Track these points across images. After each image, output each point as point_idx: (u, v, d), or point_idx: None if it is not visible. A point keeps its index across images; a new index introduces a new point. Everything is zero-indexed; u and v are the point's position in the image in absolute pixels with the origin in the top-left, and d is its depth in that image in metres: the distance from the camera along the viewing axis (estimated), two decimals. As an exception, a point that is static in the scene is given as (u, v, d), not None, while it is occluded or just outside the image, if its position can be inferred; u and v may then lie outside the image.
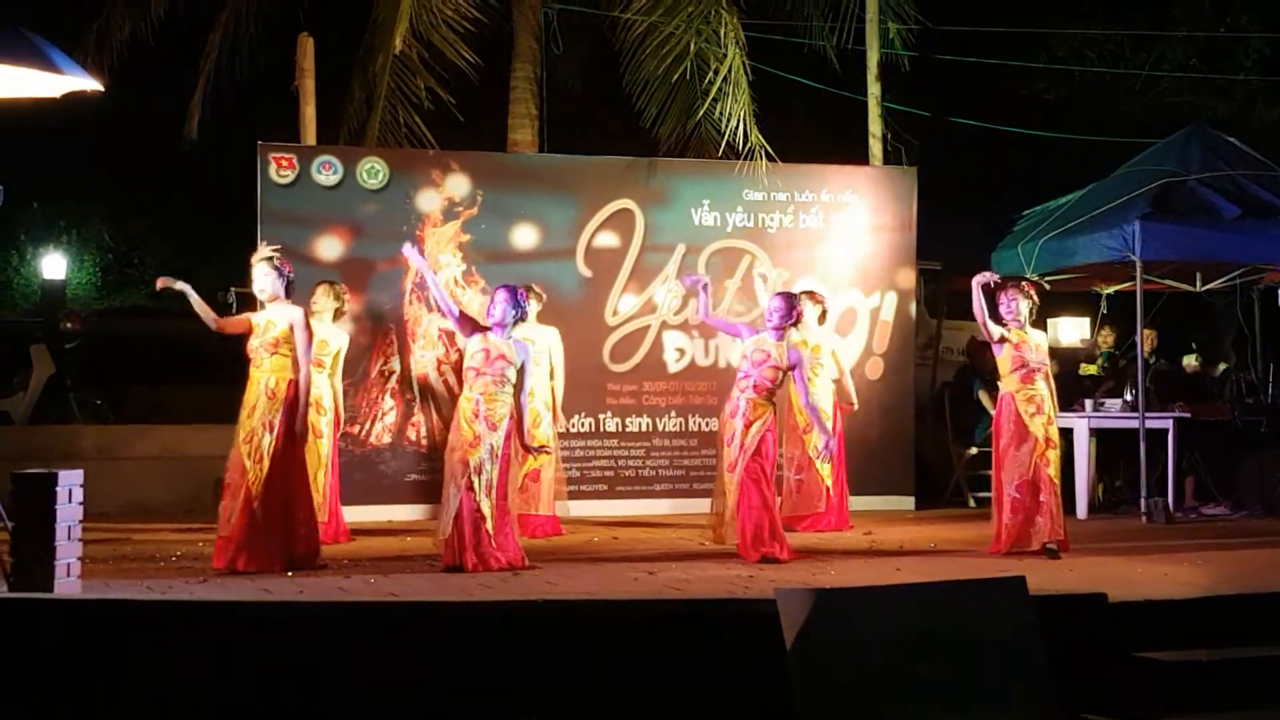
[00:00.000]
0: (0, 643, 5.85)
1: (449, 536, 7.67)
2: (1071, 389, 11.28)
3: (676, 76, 11.39)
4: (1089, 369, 12.48)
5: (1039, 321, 9.12)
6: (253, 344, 7.83)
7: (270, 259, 7.98)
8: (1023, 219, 11.90)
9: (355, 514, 9.76)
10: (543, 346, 9.41)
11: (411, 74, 11.85)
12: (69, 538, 6.51)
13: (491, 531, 7.69)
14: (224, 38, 12.74)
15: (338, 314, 9.26)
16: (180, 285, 7.92)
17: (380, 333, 10.58)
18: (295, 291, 8.08)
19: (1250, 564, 8.13)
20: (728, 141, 11.08)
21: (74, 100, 7.76)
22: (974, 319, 8.83)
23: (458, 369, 9.50)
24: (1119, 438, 11.11)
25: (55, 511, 6.43)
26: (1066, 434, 10.08)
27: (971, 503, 11.68)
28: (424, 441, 10.60)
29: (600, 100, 13.98)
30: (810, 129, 14.78)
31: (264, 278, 7.91)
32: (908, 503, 11.37)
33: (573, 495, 10.57)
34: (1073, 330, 13.36)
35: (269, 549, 7.65)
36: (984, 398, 11.64)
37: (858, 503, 10.46)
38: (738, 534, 8.26)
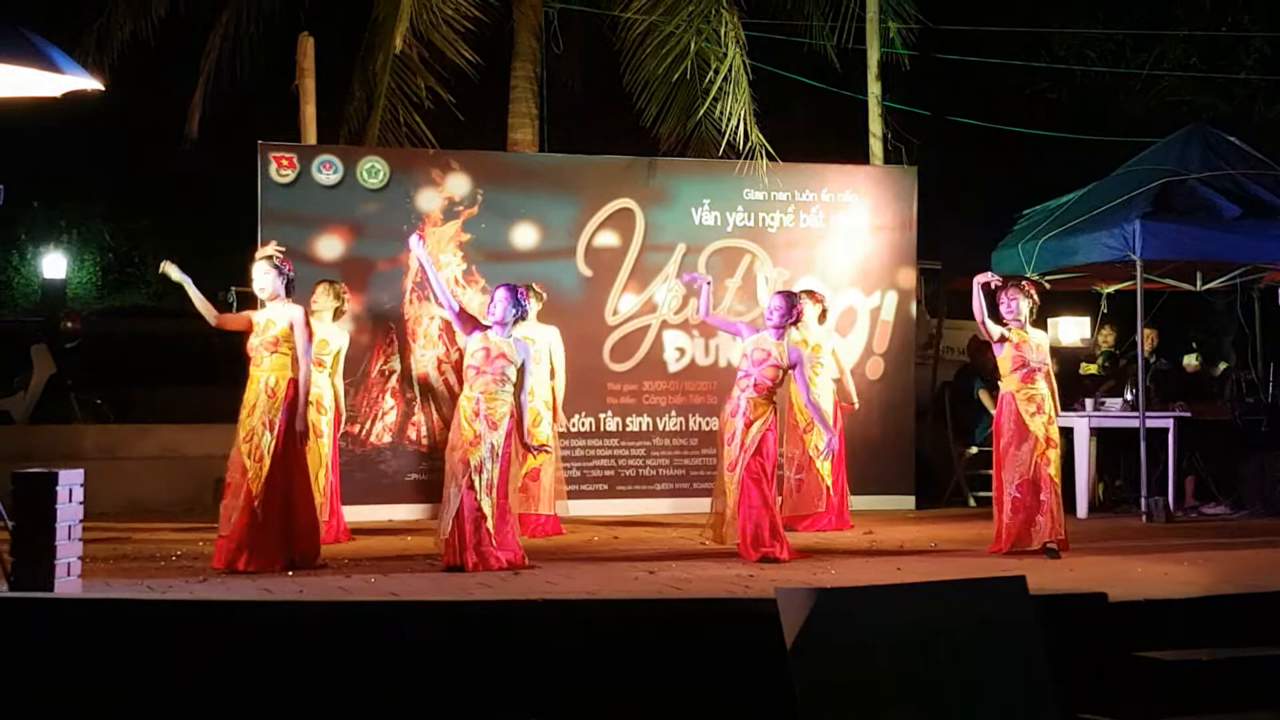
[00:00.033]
0: (0, 643, 5.85)
1: (449, 536, 7.67)
2: (1072, 388, 11.29)
3: (677, 76, 11.39)
4: (1089, 368, 12.48)
5: (1039, 321, 9.12)
6: (253, 343, 7.83)
7: (270, 258, 7.99)
8: (1023, 218, 11.89)
9: (355, 513, 9.77)
10: (543, 346, 9.41)
11: (412, 73, 11.85)
12: (69, 537, 6.52)
13: (492, 530, 7.69)
14: (224, 37, 12.74)
15: (338, 313, 9.26)
16: (180, 276, 7.90)
17: (380, 332, 10.58)
18: (295, 290, 8.08)
19: (1251, 563, 8.13)
20: (728, 141, 11.08)
21: (74, 100, 7.76)
22: (974, 319, 8.83)
23: (458, 368, 9.51)
24: (1119, 437, 11.10)
25: (55, 511, 6.43)
26: (1067, 433, 10.08)
27: (971, 502, 11.68)
28: (424, 441, 10.60)
29: (600, 100, 13.97)
30: (810, 128, 14.79)
31: (264, 276, 7.90)
32: (908, 502, 11.37)
33: (573, 495, 10.57)
34: (1073, 330, 13.35)
35: (270, 548, 7.65)
36: (984, 397, 11.63)
37: (858, 502, 10.45)
38: (738, 533, 8.25)
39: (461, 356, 8.28)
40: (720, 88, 11.10)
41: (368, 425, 10.52)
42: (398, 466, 10.59)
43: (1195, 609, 6.64)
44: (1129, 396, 11.08)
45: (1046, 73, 16.53)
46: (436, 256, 10.52)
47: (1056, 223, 11.15)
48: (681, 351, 11.17)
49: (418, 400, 10.63)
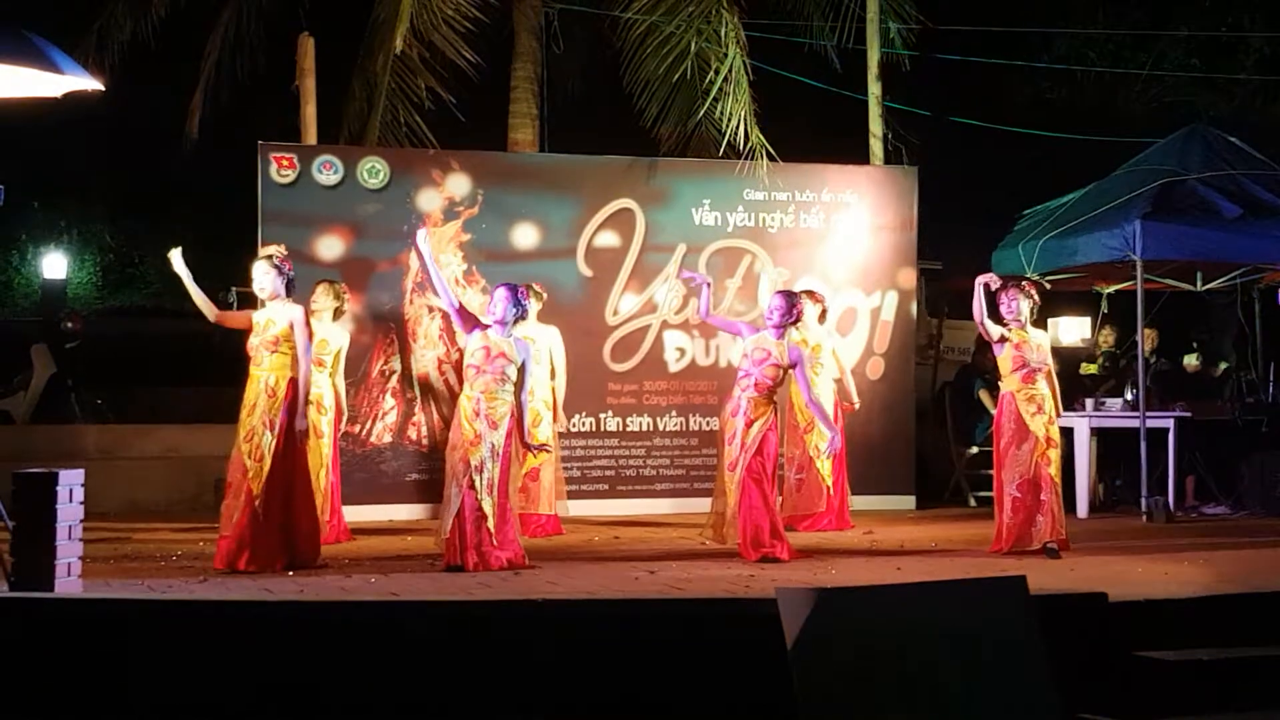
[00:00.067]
0: (0, 643, 5.85)
1: (450, 536, 7.66)
2: (1072, 388, 11.28)
3: (677, 76, 11.40)
4: (1089, 368, 12.48)
5: (1039, 321, 9.12)
6: (253, 342, 7.83)
7: (270, 257, 7.99)
8: (1023, 219, 11.89)
9: (356, 514, 9.76)
10: (543, 345, 9.41)
11: (412, 73, 11.86)
12: (69, 537, 6.52)
13: (493, 530, 7.68)
14: (225, 37, 12.75)
15: (337, 313, 9.25)
16: (182, 268, 7.88)
17: (381, 332, 10.59)
18: (295, 290, 8.08)
19: (1251, 563, 8.13)
20: (728, 141, 11.08)
21: (74, 100, 7.76)
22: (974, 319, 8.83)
23: (458, 368, 9.51)
24: (1120, 437, 11.10)
25: (56, 511, 6.43)
26: (1067, 433, 10.08)
27: (971, 502, 11.68)
28: (425, 441, 10.60)
29: (601, 100, 13.97)
30: (811, 129, 14.78)
31: (264, 276, 7.90)
32: (908, 502, 11.37)
33: (573, 495, 10.57)
34: (1073, 330, 13.35)
35: (270, 548, 7.66)
36: (984, 397, 11.64)
37: (858, 502, 10.45)
38: (739, 533, 8.25)
39: (462, 356, 8.28)
40: (720, 88, 11.10)
41: (368, 425, 10.53)
42: (398, 466, 10.59)
43: (1195, 609, 6.64)
44: (1129, 396, 11.09)
45: (1047, 73, 16.53)
46: (437, 256, 10.51)
47: (1057, 223, 11.15)
48: (682, 351, 11.18)
49: (418, 400, 10.64)
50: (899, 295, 11.51)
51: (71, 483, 6.53)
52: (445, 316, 10.38)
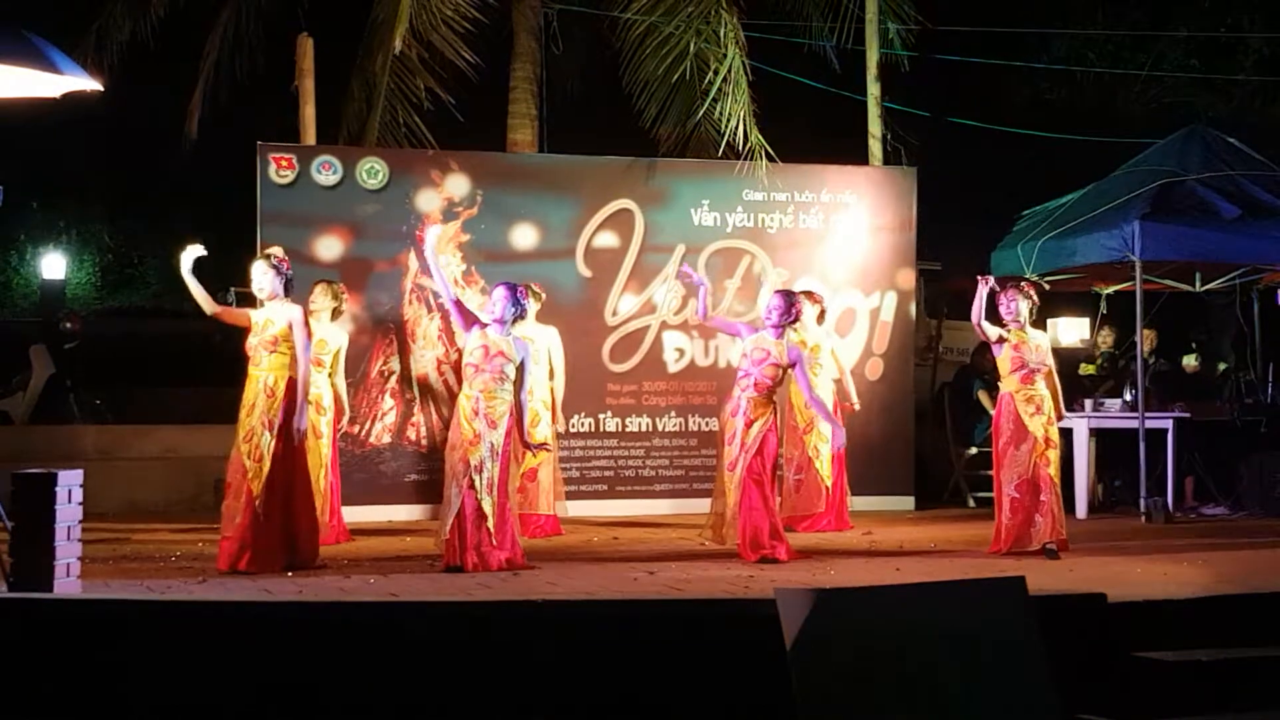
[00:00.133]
0: (0, 643, 5.84)
1: (450, 536, 7.66)
2: (1071, 389, 11.28)
3: (676, 76, 11.39)
4: (1088, 369, 12.48)
5: (1039, 322, 9.12)
6: (251, 342, 7.83)
7: (269, 257, 7.99)
8: (1023, 219, 11.89)
9: (355, 514, 9.77)
10: (542, 346, 9.42)
11: (411, 74, 11.85)
12: (69, 538, 6.52)
13: (492, 530, 7.69)
14: (224, 37, 12.75)
15: (336, 313, 9.25)
16: (187, 264, 7.85)
17: (380, 333, 10.58)
18: (294, 290, 8.08)
19: (1250, 564, 8.13)
20: (728, 141, 11.08)
21: (74, 100, 7.76)
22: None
23: (457, 369, 9.50)
24: (1119, 438, 11.10)
25: (55, 511, 6.43)
26: (1066, 434, 10.08)
27: (971, 503, 11.68)
28: (424, 441, 10.60)
29: (600, 100, 13.97)
30: (810, 129, 14.79)
31: (262, 276, 7.90)
32: (908, 503, 11.37)
33: (572, 495, 10.57)
34: (1072, 330, 13.35)
35: (270, 548, 7.66)
36: (984, 398, 11.64)
37: (858, 503, 10.46)
38: (738, 534, 8.25)
39: (461, 357, 8.28)
40: (720, 88, 11.10)
41: (367, 426, 10.52)
42: (397, 467, 10.59)
43: (1195, 609, 6.64)
44: (1128, 397, 11.09)
45: (1046, 73, 16.54)
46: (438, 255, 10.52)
47: (1056, 223, 11.15)
48: (681, 352, 11.18)
49: (417, 401, 10.64)
50: (898, 296, 11.51)
51: (70, 483, 6.53)
52: (445, 317, 10.39)
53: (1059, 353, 11.23)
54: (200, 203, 19.15)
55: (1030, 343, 8.66)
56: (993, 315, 8.72)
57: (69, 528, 6.52)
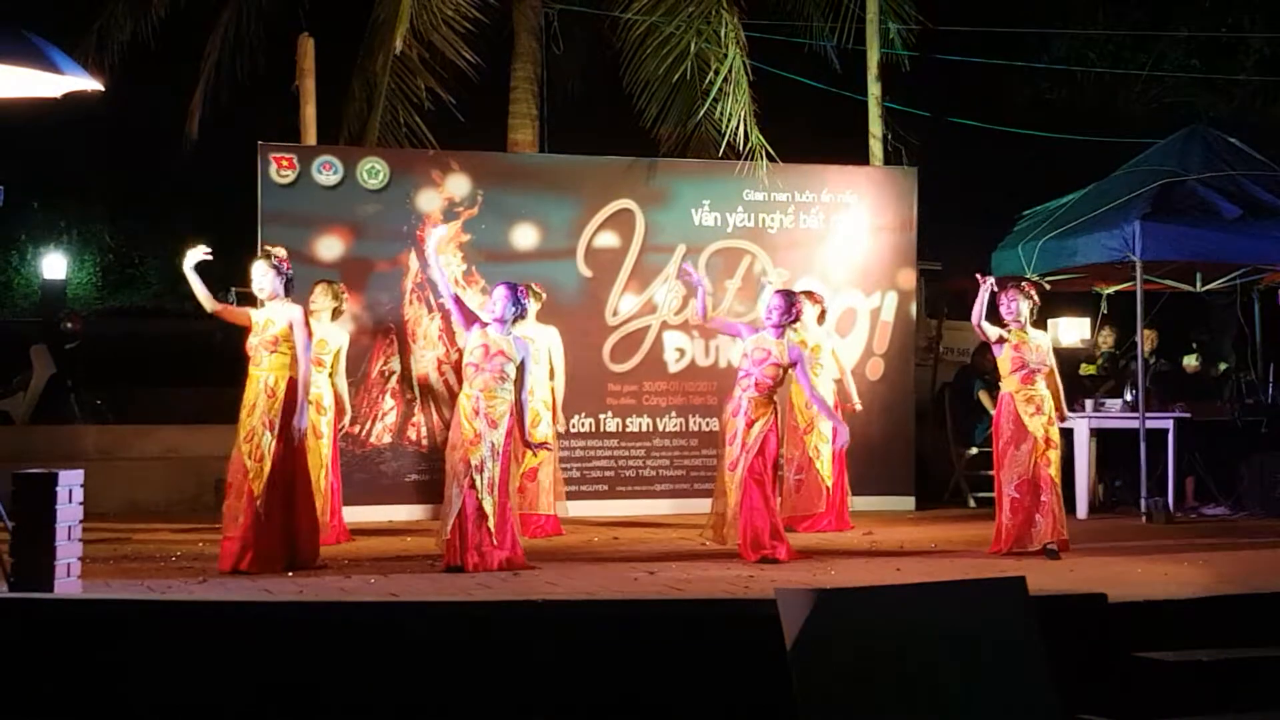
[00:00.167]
0: (0, 643, 5.85)
1: (450, 536, 7.66)
2: (1072, 389, 11.28)
3: (677, 76, 11.39)
4: (1089, 369, 12.48)
5: (1039, 322, 9.12)
6: (252, 342, 7.83)
7: (269, 257, 7.99)
8: (1023, 219, 11.89)
9: (355, 514, 9.77)
10: (542, 346, 9.42)
11: (412, 74, 11.85)
12: (69, 538, 6.52)
13: (493, 529, 7.68)
14: (224, 38, 12.75)
15: (336, 313, 9.25)
16: (191, 263, 7.85)
17: (380, 333, 10.59)
18: (294, 290, 8.08)
19: (1250, 564, 8.13)
20: (728, 141, 11.08)
21: (74, 100, 7.76)
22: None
23: (458, 369, 9.50)
24: (1119, 438, 11.11)
25: (55, 511, 6.43)
26: (1067, 434, 10.07)
27: (971, 503, 11.68)
28: (424, 442, 10.61)
29: (600, 100, 13.98)
30: (810, 129, 14.79)
31: (263, 276, 7.90)
32: (908, 503, 11.37)
33: (573, 495, 10.57)
34: (1073, 330, 13.36)
35: (272, 548, 7.65)
36: (984, 398, 11.64)
37: (858, 503, 10.46)
38: (739, 534, 8.25)
39: (461, 357, 8.28)
40: (720, 88, 11.10)
41: (368, 426, 10.53)
42: (397, 467, 10.59)
43: (1195, 609, 6.64)
44: (1129, 397, 11.08)
45: (1046, 73, 16.53)
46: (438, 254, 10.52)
47: (1056, 223, 11.15)
48: (681, 352, 11.18)
49: (417, 401, 10.64)
50: (898, 296, 11.51)
51: (71, 483, 6.53)
52: (445, 317, 10.39)
53: (1059, 353, 11.24)
54: (201, 203, 19.16)
55: (1031, 343, 8.65)
56: (993, 315, 8.72)
57: (70, 528, 6.52)
